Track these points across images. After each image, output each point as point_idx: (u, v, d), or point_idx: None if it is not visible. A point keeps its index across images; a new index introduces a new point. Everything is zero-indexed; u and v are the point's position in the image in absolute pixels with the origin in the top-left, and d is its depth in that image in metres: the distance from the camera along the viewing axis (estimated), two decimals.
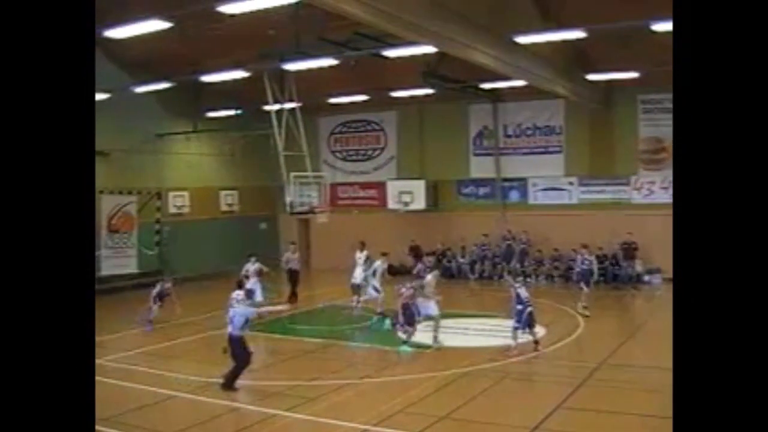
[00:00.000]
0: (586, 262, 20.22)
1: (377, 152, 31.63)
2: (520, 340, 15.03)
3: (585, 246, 20.56)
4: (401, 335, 16.02)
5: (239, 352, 12.85)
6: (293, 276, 22.56)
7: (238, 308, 13.09)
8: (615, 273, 25.40)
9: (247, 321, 13.08)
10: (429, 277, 16.69)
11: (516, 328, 14.96)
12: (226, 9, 12.79)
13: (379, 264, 19.67)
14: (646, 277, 25.23)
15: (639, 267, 25.48)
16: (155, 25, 13.71)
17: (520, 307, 15.01)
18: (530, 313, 15.06)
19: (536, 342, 15.16)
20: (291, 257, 22.87)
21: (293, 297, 21.92)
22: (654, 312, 20.76)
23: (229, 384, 12.75)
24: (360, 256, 20.48)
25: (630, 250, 25.07)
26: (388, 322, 17.70)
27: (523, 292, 15.22)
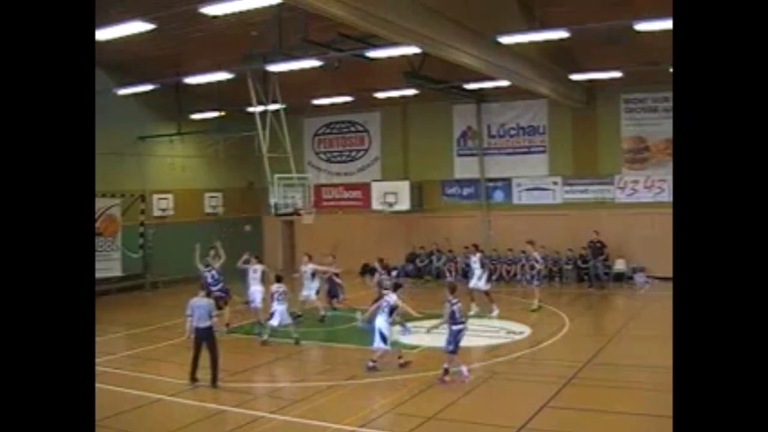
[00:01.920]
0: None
1: (361, 153, 31.62)
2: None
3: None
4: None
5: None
6: None
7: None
8: (586, 271, 25.47)
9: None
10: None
11: (451, 351, 13.16)
12: (208, 10, 12.72)
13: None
14: (634, 276, 25.33)
15: (622, 266, 25.63)
16: (138, 26, 13.64)
17: (455, 327, 13.21)
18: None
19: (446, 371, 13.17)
20: (210, 261, 20.29)
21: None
22: (640, 311, 20.87)
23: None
24: (306, 270, 19.24)
25: (597, 249, 25.13)
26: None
27: (459, 310, 13.41)
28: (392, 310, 14.04)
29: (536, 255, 21.39)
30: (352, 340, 17.10)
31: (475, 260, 20.25)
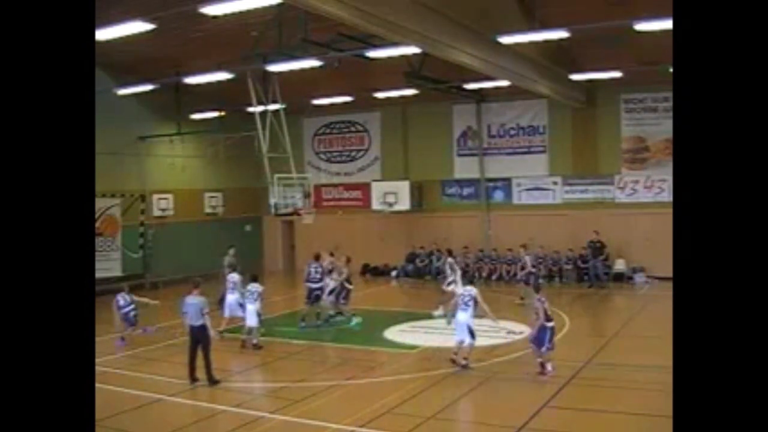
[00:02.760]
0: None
1: (361, 153, 31.61)
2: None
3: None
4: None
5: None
6: None
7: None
8: (586, 271, 25.52)
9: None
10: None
11: (549, 349, 13.42)
12: (208, 10, 12.71)
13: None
14: (634, 276, 25.35)
15: (622, 266, 25.64)
16: (138, 26, 13.63)
17: (549, 324, 13.44)
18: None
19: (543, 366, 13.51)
20: (232, 261, 21.16)
21: None
22: (639, 311, 20.85)
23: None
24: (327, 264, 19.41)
25: (597, 249, 25.15)
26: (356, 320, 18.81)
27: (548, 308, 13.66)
28: (475, 303, 14.07)
29: (527, 259, 22.11)
30: (352, 341, 17.13)
31: (448, 264, 20.40)
